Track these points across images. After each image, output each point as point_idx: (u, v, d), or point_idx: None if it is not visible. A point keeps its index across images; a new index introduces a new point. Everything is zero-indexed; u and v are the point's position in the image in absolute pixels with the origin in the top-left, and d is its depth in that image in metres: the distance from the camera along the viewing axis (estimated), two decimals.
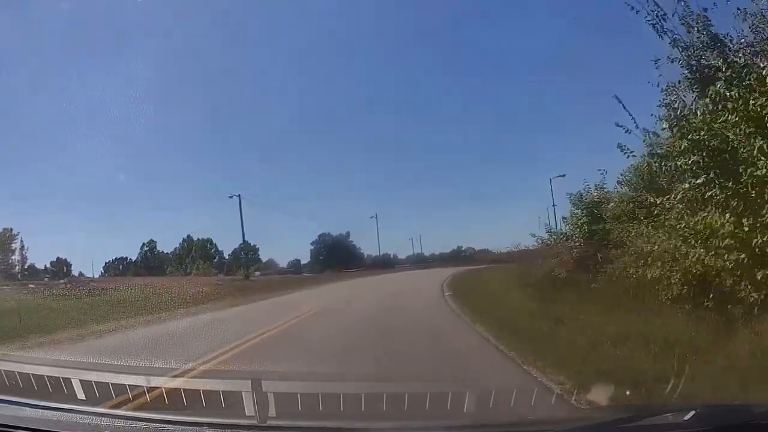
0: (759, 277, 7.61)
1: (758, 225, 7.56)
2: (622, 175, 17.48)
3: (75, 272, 63.10)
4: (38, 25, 39.39)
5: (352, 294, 26.73)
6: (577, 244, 18.30)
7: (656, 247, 10.97)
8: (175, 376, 6.54)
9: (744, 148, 7.76)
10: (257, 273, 67.39)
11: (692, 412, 2.44)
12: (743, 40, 8.63)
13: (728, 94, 7.81)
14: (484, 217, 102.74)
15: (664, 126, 9.38)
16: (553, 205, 29.63)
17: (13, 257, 57.98)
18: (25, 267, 57.89)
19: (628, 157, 10.87)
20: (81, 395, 4.29)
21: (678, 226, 9.30)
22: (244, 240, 56.44)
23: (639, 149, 10.90)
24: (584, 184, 19.02)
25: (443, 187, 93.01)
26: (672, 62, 9.03)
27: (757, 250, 7.60)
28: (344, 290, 30.87)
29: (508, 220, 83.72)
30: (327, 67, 68.49)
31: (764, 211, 7.51)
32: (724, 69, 8.19)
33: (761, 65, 7.94)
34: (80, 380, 4.46)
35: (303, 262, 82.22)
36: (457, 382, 6.44)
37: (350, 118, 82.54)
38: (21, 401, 3.46)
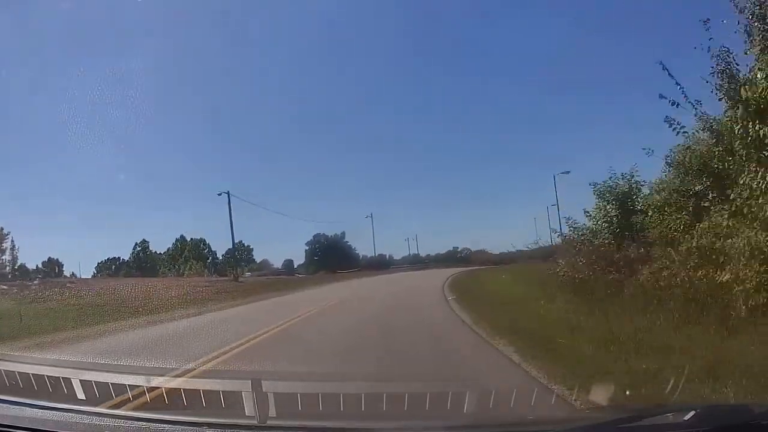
0: None
1: None
2: (670, 153, 13.74)
3: (67, 272, 63.35)
4: (38, 25, 39.28)
5: (331, 304, 22.18)
6: (606, 240, 16.42)
7: (743, 242, 8.74)
8: (172, 377, 6.53)
9: None
10: (248, 274, 66.97)
11: (692, 412, 2.43)
12: None
13: None
14: (481, 217, 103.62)
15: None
16: (556, 204, 29.28)
17: (3, 257, 57.90)
18: (15, 267, 57.72)
19: (677, 133, 9.87)
20: (81, 395, 4.28)
21: None
22: (233, 239, 56.09)
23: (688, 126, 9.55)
24: (610, 173, 16.95)
25: (440, 187, 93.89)
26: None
27: None
28: (326, 296, 27.13)
29: (506, 221, 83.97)
30: (324, 67, 68.85)
31: None
32: None
33: None
34: (80, 380, 4.45)
35: (298, 262, 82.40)
36: (457, 382, 6.42)
37: (346, 117, 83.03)
38: (21, 401, 3.45)
